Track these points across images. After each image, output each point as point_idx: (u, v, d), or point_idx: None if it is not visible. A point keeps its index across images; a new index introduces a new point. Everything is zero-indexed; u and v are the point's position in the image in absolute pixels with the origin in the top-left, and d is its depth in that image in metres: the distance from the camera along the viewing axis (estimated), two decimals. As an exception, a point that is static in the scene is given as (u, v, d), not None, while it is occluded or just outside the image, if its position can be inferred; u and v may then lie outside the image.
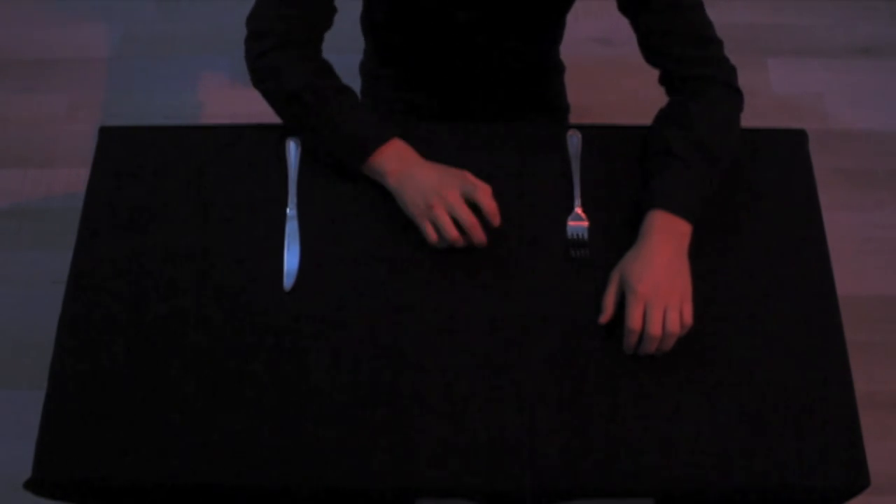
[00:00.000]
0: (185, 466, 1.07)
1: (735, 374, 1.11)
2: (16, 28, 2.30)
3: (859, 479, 1.06)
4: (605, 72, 2.11)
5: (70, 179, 2.06)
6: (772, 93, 2.17)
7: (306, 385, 1.11)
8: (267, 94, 1.23)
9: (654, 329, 1.08)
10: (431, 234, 1.15)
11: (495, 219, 1.16)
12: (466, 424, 1.09)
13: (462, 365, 1.12)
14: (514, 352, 1.13)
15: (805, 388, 1.10)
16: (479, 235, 1.15)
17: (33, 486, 1.08)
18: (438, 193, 1.14)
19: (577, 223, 1.20)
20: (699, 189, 1.16)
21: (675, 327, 1.09)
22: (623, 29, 1.26)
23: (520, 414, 1.09)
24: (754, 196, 1.23)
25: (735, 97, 1.21)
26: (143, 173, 1.26)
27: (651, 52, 1.24)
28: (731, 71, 1.22)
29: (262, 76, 1.22)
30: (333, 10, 1.25)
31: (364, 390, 1.11)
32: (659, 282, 1.10)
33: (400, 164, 1.18)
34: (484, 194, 1.15)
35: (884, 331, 1.89)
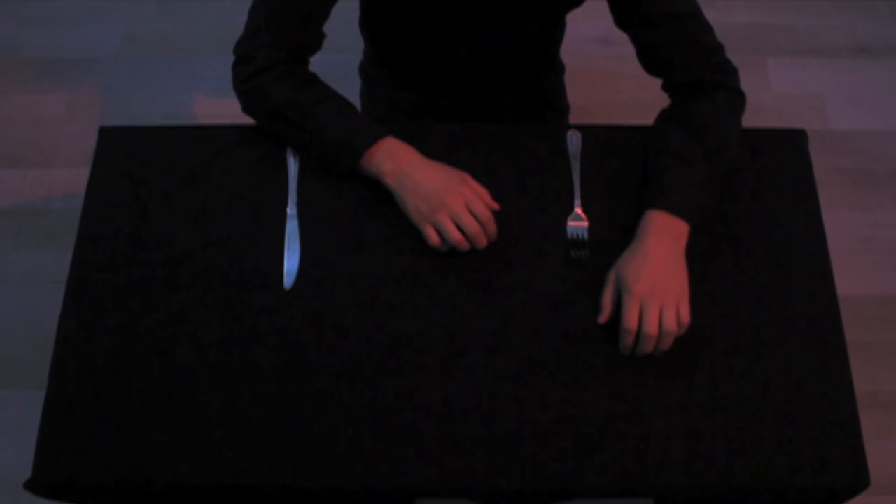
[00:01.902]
0: (184, 466, 1.07)
1: (735, 373, 1.11)
2: (15, 28, 2.30)
3: (860, 479, 1.06)
4: (605, 72, 2.11)
5: (70, 180, 2.06)
6: (772, 93, 2.17)
7: (306, 384, 1.11)
8: (255, 117, 1.24)
9: (650, 328, 1.08)
10: (433, 238, 1.15)
11: (489, 225, 1.16)
12: (466, 424, 1.09)
13: (462, 364, 1.12)
14: (514, 351, 1.13)
15: (805, 388, 1.10)
16: (482, 241, 1.16)
17: (33, 486, 1.08)
18: (441, 201, 1.14)
19: (577, 223, 1.20)
20: (699, 190, 1.16)
21: (671, 326, 1.09)
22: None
23: (520, 413, 1.09)
24: (754, 196, 1.23)
25: (737, 99, 1.21)
26: (142, 173, 1.26)
27: (652, 64, 1.24)
28: (734, 73, 1.22)
29: (248, 100, 1.23)
30: (322, 37, 1.26)
31: (364, 389, 1.11)
32: (655, 281, 1.10)
33: (395, 164, 1.17)
34: (480, 205, 1.15)
35: (884, 330, 1.89)
